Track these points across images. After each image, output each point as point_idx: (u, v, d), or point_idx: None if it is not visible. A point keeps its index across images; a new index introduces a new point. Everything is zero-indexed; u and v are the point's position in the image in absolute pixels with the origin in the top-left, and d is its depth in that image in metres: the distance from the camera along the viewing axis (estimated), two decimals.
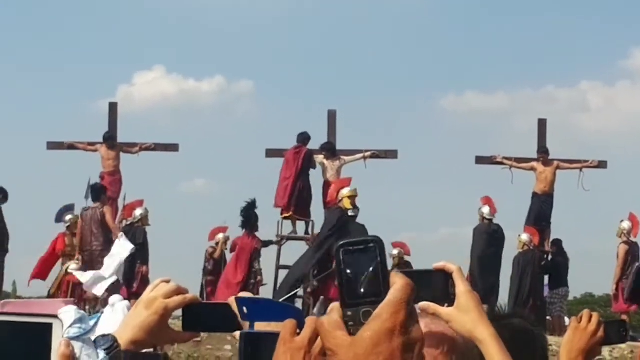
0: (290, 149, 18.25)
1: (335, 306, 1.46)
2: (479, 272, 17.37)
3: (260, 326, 1.92)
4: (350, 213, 16.28)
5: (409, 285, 1.41)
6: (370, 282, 1.45)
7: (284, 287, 16.42)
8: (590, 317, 3.13)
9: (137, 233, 18.12)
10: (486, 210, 17.92)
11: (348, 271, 1.46)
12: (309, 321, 1.55)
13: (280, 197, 18.08)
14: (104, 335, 2.16)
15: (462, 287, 2.28)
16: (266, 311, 1.89)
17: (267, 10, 49.35)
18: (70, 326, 1.91)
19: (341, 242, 1.49)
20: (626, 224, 18.00)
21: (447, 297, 2.30)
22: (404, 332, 1.37)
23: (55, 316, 1.71)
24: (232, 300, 2.13)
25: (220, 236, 19.59)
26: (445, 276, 2.31)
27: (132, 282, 17.90)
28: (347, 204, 16.31)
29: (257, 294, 17.55)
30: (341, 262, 1.47)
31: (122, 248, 16.68)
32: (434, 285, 2.30)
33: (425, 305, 2.25)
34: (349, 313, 1.44)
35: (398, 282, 1.41)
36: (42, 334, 1.76)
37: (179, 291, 2.32)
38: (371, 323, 1.39)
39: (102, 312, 2.48)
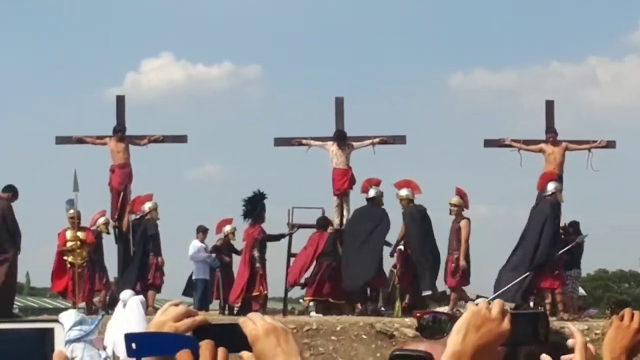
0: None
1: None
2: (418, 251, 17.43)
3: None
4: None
5: None
6: None
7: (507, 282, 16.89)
8: (632, 315, 3.14)
9: (148, 226, 18.18)
10: (404, 192, 17.64)
11: None
12: (204, 345, 1.58)
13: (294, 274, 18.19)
14: None
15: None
16: (157, 345, 1.89)
17: None
18: (70, 329, 1.92)
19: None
20: (456, 199, 17.56)
21: None
22: None
23: (56, 320, 1.73)
24: (242, 320, 2.14)
25: (227, 228, 19.64)
26: None
27: (146, 274, 17.97)
28: (559, 196, 17.58)
29: (260, 283, 17.60)
30: None
31: None
32: None
33: None
34: None
35: None
36: (45, 338, 1.78)
37: (188, 314, 2.33)
38: None
39: (103, 315, 2.50)
